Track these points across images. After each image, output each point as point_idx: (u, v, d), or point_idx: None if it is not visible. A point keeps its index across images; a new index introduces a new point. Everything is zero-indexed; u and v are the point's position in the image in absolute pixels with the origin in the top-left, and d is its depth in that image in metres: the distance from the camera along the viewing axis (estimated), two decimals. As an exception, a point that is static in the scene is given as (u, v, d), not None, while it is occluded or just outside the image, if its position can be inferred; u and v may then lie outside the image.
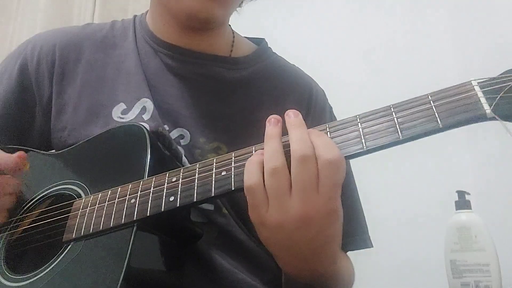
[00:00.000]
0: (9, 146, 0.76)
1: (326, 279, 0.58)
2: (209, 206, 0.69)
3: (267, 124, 0.52)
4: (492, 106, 0.43)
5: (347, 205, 0.78)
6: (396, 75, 1.40)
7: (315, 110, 0.80)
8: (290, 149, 0.49)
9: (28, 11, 2.10)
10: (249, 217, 0.72)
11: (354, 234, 0.78)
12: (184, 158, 0.69)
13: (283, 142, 0.50)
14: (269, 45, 0.88)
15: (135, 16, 0.86)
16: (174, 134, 0.72)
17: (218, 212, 0.69)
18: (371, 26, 1.54)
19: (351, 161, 0.82)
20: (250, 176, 0.49)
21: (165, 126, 0.72)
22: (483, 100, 0.44)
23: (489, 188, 1.19)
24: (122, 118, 0.72)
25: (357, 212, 0.81)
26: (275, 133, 0.51)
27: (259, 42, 0.87)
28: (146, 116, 0.72)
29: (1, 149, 0.68)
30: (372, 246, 0.79)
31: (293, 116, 0.51)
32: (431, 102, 0.47)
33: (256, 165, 0.50)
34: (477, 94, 0.45)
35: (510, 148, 1.16)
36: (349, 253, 0.80)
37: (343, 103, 0.88)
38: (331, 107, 0.85)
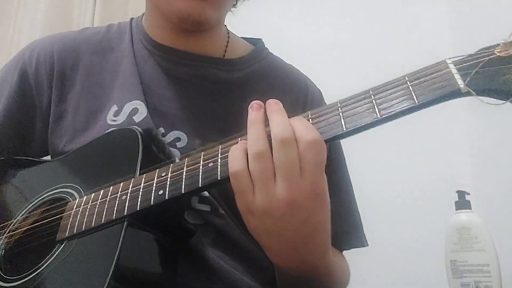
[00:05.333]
0: (16, 157, 0.79)
1: (319, 272, 0.58)
2: (205, 207, 0.68)
3: (250, 110, 0.52)
4: (466, 81, 0.44)
5: (342, 203, 0.78)
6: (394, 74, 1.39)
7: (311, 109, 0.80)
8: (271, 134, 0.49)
9: (28, 11, 2.10)
10: None
11: (349, 232, 0.77)
12: (177, 161, 0.69)
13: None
14: (266, 46, 0.87)
15: (131, 19, 0.86)
16: (170, 136, 0.72)
17: (214, 212, 0.69)
18: (368, 26, 1.54)
19: (348, 158, 0.82)
20: (235, 163, 0.49)
21: (161, 128, 0.72)
22: (457, 76, 0.45)
23: (489, 188, 1.18)
24: (115, 120, 0.72)
25: (351, 210, 0.80)
26: (257, 118, 0.51)
27: (255, 42, 0.86)
28: (137, 118, 0.71)
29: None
30: (368, 245, 0.78)
31: (273, 104, 0.52)
32: (408, 82, 0.48)
33: (240, 152, 0.50)
34: (451, 71, 0.46)
35: (510, 148, 1.15)
36: (348, 253, 0.79)
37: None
38: None
